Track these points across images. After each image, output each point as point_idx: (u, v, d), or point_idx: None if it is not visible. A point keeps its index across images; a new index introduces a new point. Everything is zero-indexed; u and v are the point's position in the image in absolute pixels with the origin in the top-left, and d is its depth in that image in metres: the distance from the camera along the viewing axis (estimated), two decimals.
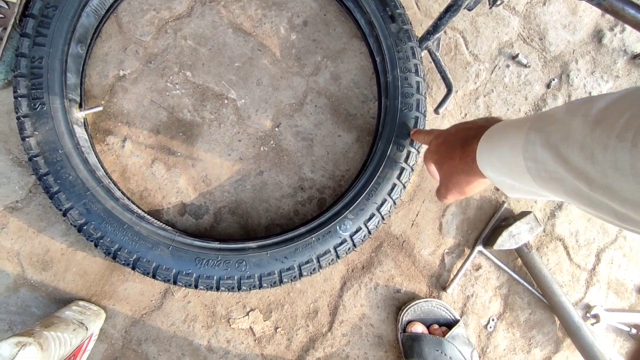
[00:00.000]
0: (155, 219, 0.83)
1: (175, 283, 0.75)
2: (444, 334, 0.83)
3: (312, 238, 0.79)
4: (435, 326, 0.85)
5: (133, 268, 0.74)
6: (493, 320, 0.94)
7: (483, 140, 0.48)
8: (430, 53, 0.94)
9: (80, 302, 0.79)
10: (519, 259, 0.93)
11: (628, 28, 1.06)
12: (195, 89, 0.91)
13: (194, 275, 0.74)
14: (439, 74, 0.91)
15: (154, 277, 0.75)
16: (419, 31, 0.94)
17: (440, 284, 0.92)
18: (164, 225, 0.82)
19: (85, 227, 0.74)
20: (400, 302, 0.90)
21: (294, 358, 0.88)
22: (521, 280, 0.92)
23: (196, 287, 0.75)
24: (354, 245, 0.81)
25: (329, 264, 0.80)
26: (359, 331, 0.89)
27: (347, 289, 0.89)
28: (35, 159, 0.75)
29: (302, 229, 0.80)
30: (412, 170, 0.84)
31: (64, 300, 0.81)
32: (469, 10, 0.85)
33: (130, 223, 0.75)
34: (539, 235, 0.96)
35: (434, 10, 1.02)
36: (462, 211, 0.95)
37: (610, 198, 0.31)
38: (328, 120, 0.94)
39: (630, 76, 1.06)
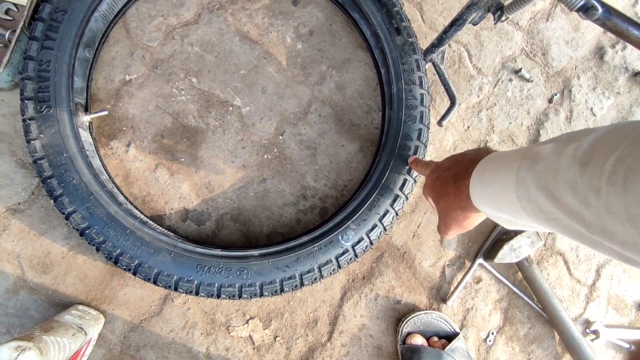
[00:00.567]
0: (158, 225, 0.83)
1: (176, 289, 0.75)
2: (443, 347, 0.82)
3: (314, 247, 0.79)
4: (435, 338, 0.85)
5: (134, 273, 0.74)
6: (493, 333, 0.94)
7: (475, 176, 0.48)
8: (435, 66, 0.95)
9: (80, 307, 0.78)
10: (520, 273, 0.93)
11: (629, 46, 1.08)
12: (201, 96, 0.91)
13: (195, 282, 0.74)
14: (442, 87, 0.92)
15: (155, 283, 0.74)
16: (424, 44, 0.95)
17: (440, 296, 0.92)
18: (166, 231, 0.82)
19: (87, 231, 0.74)
20: (400, 314, 0.90)
21: None
22: (521, 294, 0.92)
23: (197, 294, 0.75)
24: (356, 255, 0.81)
25: (330, 273, 0.80)
26: (359, 342, 0.89)
27: (347, 299, 0.89)
28: (39, 161, 0.75)
29: (304, 238, 0.80)
30: (415, 181, 0.85)
31: (64, 304, 0.81)
32: (474, 24, 0.86)
33: (133, 228, 0.75)
34: (539, 249, 0.96)
35: (438, 24, 1.03)
36: None
37: (610, 241, 0.30)
38: (332, 130, 0.94)
39: (631, 93, 1.07)
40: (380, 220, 0.82)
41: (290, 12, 0.98)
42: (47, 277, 0.81)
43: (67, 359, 0.67)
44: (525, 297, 0.93)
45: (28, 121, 0.76)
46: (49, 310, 0.80)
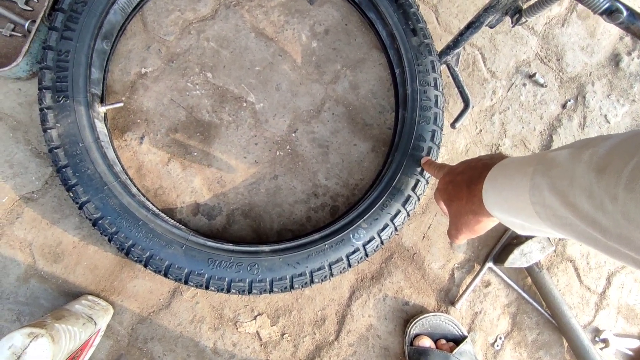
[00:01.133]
0: (169, 218, 0.83)
1: (186, 283, 0.75)
2: (451, 350, 0.82)
3: (325, 245, 0.78)
4: (443, 341, 0.84)
5: (145, 265, 0.74)
6: (500, 338, 0.93)
7: (488, 181, 0.48)
8: (449, 68, 0.95)
9: (89, 297, 0.79)
10: (529, 278, 0.93)
11: None
12: (215, 91, 0.92)
13: (206, 275, 0.74)
14: (456, 89, 0.91)
15: (165, 275, 0.74)
16: (439, 45, 0.95)
17: (449, 298, 0.92)
18: (178, 224, 0.82)
19: (100, 222, 0.74)
20: (408, 315, 0.89)
21: None
22: (530, 300, 0.92)
23: (207, 288, 0.75)
24: (366, 254, 0.81)
25: (340, 272, 0.79)
26: (366, 342, 0.88)
27: (355, 299, 0.89)
28: (55, 150, 0.75)
29: (316, 236, 0.80)
30: (427, 183, 0.85)
31: (73, 294, 0.81)
32: (491, 27, 0.85)
33: (145, 220, 0.75)
34: (549, 255, 0.95)
35: (453, 26, 1.03)
36: None
37: (627, 247, 0.30)
38: (344, 129, 0.94)
39: None
40: (392, 220, 0.82)
41: (306, 11, 0.98)
42: (58, 266, 0.81)
43: (77, 348, 0.67)
44: (535, 303, 0.92)
45: (45, 110, 0.76)
46: (59, 299, 0.80)
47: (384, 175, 0.85)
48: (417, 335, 0.85)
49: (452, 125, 0.89)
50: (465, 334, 0.86)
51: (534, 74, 1.01)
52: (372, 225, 0.81)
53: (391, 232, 0.82)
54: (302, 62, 0.96)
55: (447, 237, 0.93)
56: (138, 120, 0.89)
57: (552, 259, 0.96)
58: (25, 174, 0.83)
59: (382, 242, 0.81)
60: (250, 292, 0.76)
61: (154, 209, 0.80)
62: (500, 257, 0.90)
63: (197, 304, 0.84)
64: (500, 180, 0.46)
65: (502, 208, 0.46)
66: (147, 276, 0.83)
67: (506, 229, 0.94)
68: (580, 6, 1.07)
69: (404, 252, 0.92)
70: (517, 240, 0.90)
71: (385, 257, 0.91)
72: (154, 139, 0.88)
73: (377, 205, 0.81)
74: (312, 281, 0.78)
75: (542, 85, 1.02)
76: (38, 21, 0.80)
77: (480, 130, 1.00)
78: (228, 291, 0.75)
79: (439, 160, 0.93)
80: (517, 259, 0.87)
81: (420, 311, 0.89)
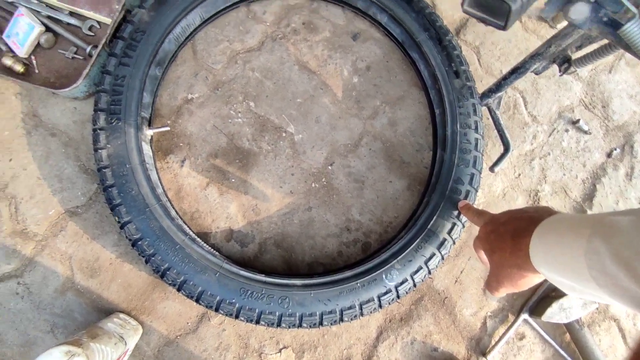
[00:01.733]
0: (204, 242, 0.84)
1: (217, 310, 0.75)
2: None
3: (357, 283, 0.77)
4: None
5: (179, 289, 0.75)
6: None
7: (537, 236, 0.46)
8: (490, 110, 0.94)
9: (121, 315, 0.80)
10: (568, 334, 0.88)
11: None
12: (257, 120, 0.94)
13: (237, 305, 0.74)
14: (496, 132, 0.90)
15: (197, 301, 0.75)
16: (480, 87, 0.95)
17: (480, 348, 0.88)
18: (213, 250, 0.83)
19: (139, 243, 0.76)
20: None
21: None
22: (568, 358, 0.87)
23: (237, 317, 0.75)
24: (398, 296, 0.79)
25: (371, 312, 0.78)
26: None
27: (382, 340, 0.86)
28: (104, 170, 0.78)
29: (348, 273, 0.79)
30: (463, 226, 0.83)
31: (105, 310, 0.82)
32: (536, 74, 0.85)
33: (182, 244, 0.76)
34: (591, 312, 0.91)
35: (495, 68, 1.03)
36: None
37: None
38: (381, 165, 0.94)
39: None
40: (426, 262, 0.80)
41: (349, 47, 1.01)
42: (94, 281, 0.83)
43: None
44: None
45: (98, 131, 0.80)
46: (92, 314, 0.82)
47: (420, 215, 0.84)
48: None
49: (491, 169, 0.88)
50: None
51: (578, 120, 0.99)
52: (405, 266, 0.79)
53: (425, 275, 0.80)
54: (343, 96, 0.98)
55: (480, 282, 0.91)
56: (181, 144, 0.92)
57: (594, 316, 0.91)
58: (72, 189, 0.87)
59: (414, 285, 0.80)
60: (279, 325, 0.75)
61: (191, 233, 0.81)
62: (537, 309, 0.87)
63: (223, 331, 0.83)
64: (552, 237, 0.44)
65: (551, 267, 0.44)
66: (177, 299, 0.84)
67: (545, 280, 0.90)
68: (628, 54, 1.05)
69: (435, 296, 0.89)
70: (556, 293, 0.86)
71: (416, 299, 0.89)
72: (195, 162, 0.91)
73: (412, 247, 0.80)
74: (341, 319, 0.77)
75: (586, 132, 0.99)
76: (100, 47, 0.85)
77: (519, 175, 0.98)
78: (257, 322, 0.75)
79: (476, 204, 0.91)
80: (556, 313, 0.83)
81: (449, 359, 0.86)
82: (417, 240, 0.81)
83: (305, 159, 0.93)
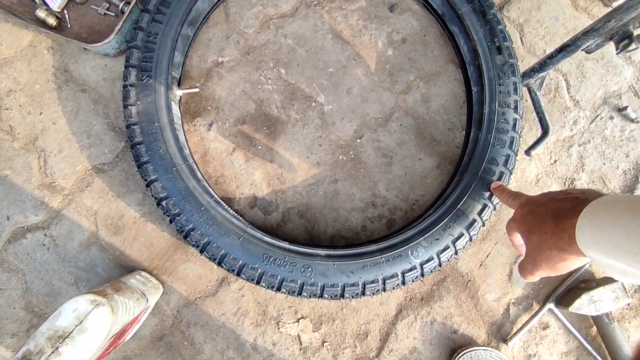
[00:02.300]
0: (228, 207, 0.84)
1: (238, 275, 0.74)
2: None
3: (381, 258, 0.76)
4: None
5: (201, 251, 0.75)
6: None
7: (585, 217, 0.43)
8: (530, 91, 0.89)
9: (143, 273, 0.80)
10: (594, 327, 0.85)
11: None
12: (286, 87, 0.92)
13: (259, 270, 0.73)
14: (535, 114, 0.86)
15: (219, 264, 0.74)
16: (521, 66, 0.90)
17: (501, 334, 0.86)
18: (237, 214, 0.82)
19: (165, 202, 0.75)
20: (455, 344, 0.85)
21: None
22: (594, 352, 0.84)
23: (258, 283, 0.74)
24: (422, 274, 0.77)
25: (393, 288, 0.76)
26: None
27: (401, 318, 0.85)
28: (132, 127, 0.77)
29: (372, 247, 0.77)
30: (494, 208, 0.80)
31: (127, 268, 0.83)
32: (588, 53, 0.80)
33: (207, 206, 0.76)
34: (623, 306, 0.87)
35: (538, 48, 0.98)
36: None
37: None
38: (411, 141, 0.91)
39: None
40: (454, 242, 0.78)
41: (386, 18, 0.97)
42: (118, 238, 0.84)
43: (129, 322, 0.68)
44: (599, 357, 0.84)
45: (129, 87, 0.79)
46: (114, 270, 0.83)
47: (450, 195, 0.81)
48: None
49: (527, 152, 0.84)
50: None
51: (625, 108, 0.93)
52: (432, 244, 0.77)
53: (451, 255, 0.78)
54: (376, 68, 0.94)
55: (505, 267, 0.88)
56: (209, 107, 0.90)
57: (624, 312, 0.88)
58: (100, 145, 0.87)
59: (440, 264, 0.77)
60: (299, 294, 0.75)
61: (216, 196, 0.81)
62: (564, 300, 0.84)
63: (242, 297, 0.83)
64: (603, 217, 0.41)
65: (600, 248, 0.41)
66: (198, 261, 0.84)
67: (574, 270, 0.87)
68: None
69: (458, 278, 0.87)
70: (586, 285, 0.83)
71: (438, 279, 0.87)
72: (222, 127, 0.89)
73: (440, 225, 0.78)
74: (363, 293, 0.75)
75: (632, 121, 0.94)
76: (133, 3, 0.83)
77: (555, 161, 0.94)
78: (278, 289, 0.74)
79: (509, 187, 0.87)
80: (585, 305, 0.80)
81: (468, 342, 0.84)
82: (446, 219, 0.78)
83: (334, 130, 0.91)
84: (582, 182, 0.93)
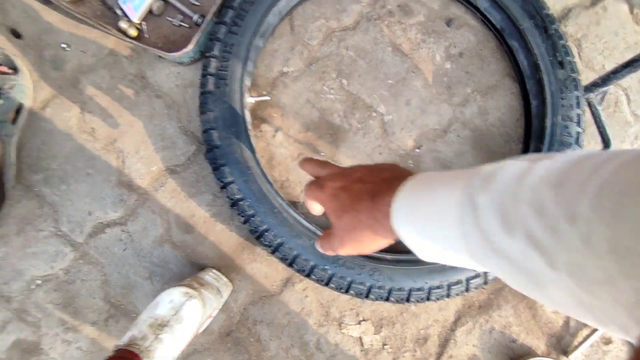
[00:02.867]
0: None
1: (308, 275, 0.77)
2: None
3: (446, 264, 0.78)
4: None
5: (273, 251, 0.78)
6: None
7: (402, 194, 0.38)
8: (591, 106, 0.91)
9: (214, 270, 0.84)
10: None
11: None
12: (348, 97, 0.96)
13: (329, 272, 0.76)
14: (596, 129, 0.87)
15: (290, 264, 0.78)
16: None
17: (561, 347, 0.86)
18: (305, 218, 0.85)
19: (240, 203, 0.79)
20: (514, 353, 0.85)
21: None
22: None
23: (327, 284, 0.77)
24: (486, 281, 0.79)
25: (457, 294, 0.78)
26: None
27: (460, 325, 0.86)
28: (210, 131, 0.82)
29: None
30: None
31: (198, 265, 0.87)
32: None
33: (280, 208, 0.79)
34: None
35: (596, 63, 0.99)
36: None
37: (574, 278, 0.24)
38: (468, 153, 0.94)
39: None
40: None
41: (443, 32, 1.00)
42: (189, 236, 0.88)
43: (208, 315, 0.72)
44: None
45: (207, 94, 0.84)
46: (186, 267, 0.87)
47: None
48: None
49: None
50: None
51: None
52: None
53: None
54: (434, 81, 0.97)
55: None
56: (274, 115, 0.95)
57: None
58: (173, 148, 0.92)
59: None
60: (367, 296, 0.77)
61: (287, 199, 0.84)
62: None
63: (306, 297, 0.86)
64: (420, 193, 0.37)
65: (415, 227, 0.37)
66: (264, 261, 0.87)
67: None
68: None
69: None
70: None
71: (496, 289, 0.88)
72: (287, 133, 0.93)
73: None
74: (428, 298, 0.77)
75: None
76: (210, 14, 0.89)
77: None
78: (346, 291, 0.77)
79: None
80: None
81: (527, 352, 0.85)
82: None
83: (394, 139, 0.94)
84: None
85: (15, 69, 0.93)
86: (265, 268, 0.87)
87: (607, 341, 0.86)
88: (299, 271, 0.78)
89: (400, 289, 0.76)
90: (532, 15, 0.91)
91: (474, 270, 0.77)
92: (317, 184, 0.49)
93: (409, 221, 0.37)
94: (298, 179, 0.91)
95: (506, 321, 0.86)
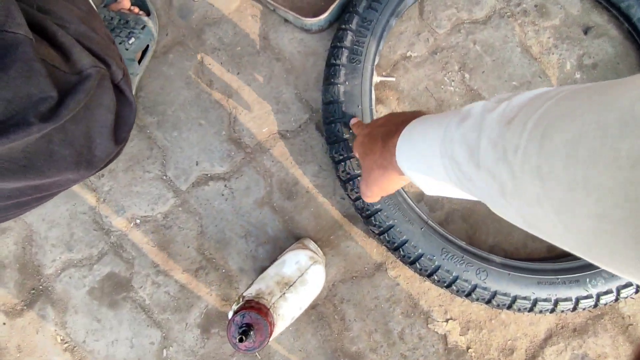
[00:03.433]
0: None
1: (412, 264, 0.77)
2: None
3: (557, 278, 0.75)
4: None
5: (381, 233, 0.78)
6: None
7: (404, 134, 0.45)
8: None
9: (312, 242, 0.84)
10: None
11: None
12: (468, 92, 0.93)
13: (436, 263, 0.75)
14: None
15: (396, 249, 0.77)
16: None
17: None
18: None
19: (354, 180, 0.79)
20: None
21: None
22: None
23: (430, 275, 0.76)
24: (596, 304, 0.76)
25: (563, 311, 0.75)
26: None
27: (551, 344, 0.84)
28: (336, 104, 0.82)
29: (548, 266, 0.77)
30: None
31: (294, 233, 0.88)
32: None
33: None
34: None
35: None
36: None
37: (518, 200, 0.28)
38: None
39: None
40: None
41: (578, 40, 0.95)
42: (290, 203, 0.89)
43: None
44: None
45: (339, 67, 0.83)
46: (282, 232, 0.88)
47: None
48: None
49: None
50: None
51: None
52: (613, 277, 0.75)
53: (632, 293, 0.75)
54: None
55: None
56: (391, 97, 0.93)
57: None
58: (286, 112, 0.92)
59: (617, 299, 0.75)
60: (468, 295, 0.76)
61: None
62: None
63: (397, 285, 0.86)
64: (416, 132, 0.43)
65: (413, 164, 0.43)
66: (360, 241, 0.87)
67: None
68: None
69: (618, 319, 0.84)
70: None
71: (595, 315, 0.84)
72: None
73: None
74: (532, 308, 0.75)
75: None
76: None
77: None
78: (448, 286, 0.76)
79: None
80: None
81: None
82: None
83: None
84: None
85: (147, 12, 0.95)
86: (359, 248, 0.87)
87: None
88: (402, 257, 0.77)
89: (505, 294, 0.74)
90: None
91: (586, 291, 0.74)
92: (356, 138, 0.58)
93: (408, 159, 0.43)
94: None
95: (602, 350, 0.83)
